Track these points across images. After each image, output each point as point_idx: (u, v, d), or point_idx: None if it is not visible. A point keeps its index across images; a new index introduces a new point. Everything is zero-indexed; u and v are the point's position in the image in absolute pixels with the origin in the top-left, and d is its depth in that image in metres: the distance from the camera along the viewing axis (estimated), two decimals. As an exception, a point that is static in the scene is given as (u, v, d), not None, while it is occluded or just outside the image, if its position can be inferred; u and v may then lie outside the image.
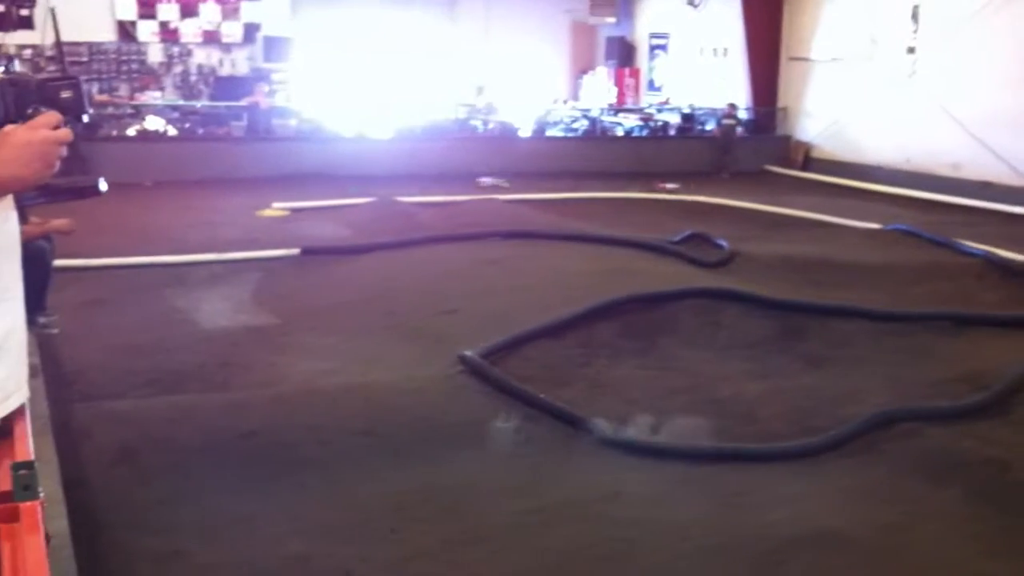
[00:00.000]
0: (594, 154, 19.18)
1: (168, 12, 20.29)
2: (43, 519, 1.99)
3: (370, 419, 5.90)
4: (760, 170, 19.36)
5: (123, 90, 20.15)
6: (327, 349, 7.56)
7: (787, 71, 20.22)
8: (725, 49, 21.09)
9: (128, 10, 20.04)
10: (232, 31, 20.80)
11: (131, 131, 17.95)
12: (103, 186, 2.33)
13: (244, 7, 20.70)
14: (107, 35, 20.02)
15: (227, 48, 20.91)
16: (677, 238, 11.32)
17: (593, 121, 21.42)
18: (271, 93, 19.62)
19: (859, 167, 18.04)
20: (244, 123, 18.60)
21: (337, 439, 5.65)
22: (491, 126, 20.54)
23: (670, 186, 16.71)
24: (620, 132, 21.09)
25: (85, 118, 2.26)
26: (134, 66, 20.33)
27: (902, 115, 17.14)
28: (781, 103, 20.34)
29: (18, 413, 2.28)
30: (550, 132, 21.08)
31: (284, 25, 21.05)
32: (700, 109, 20.88)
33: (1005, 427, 6.08)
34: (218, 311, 8.67)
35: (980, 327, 8.11)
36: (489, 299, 8.52)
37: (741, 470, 5.55)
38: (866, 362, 7.34)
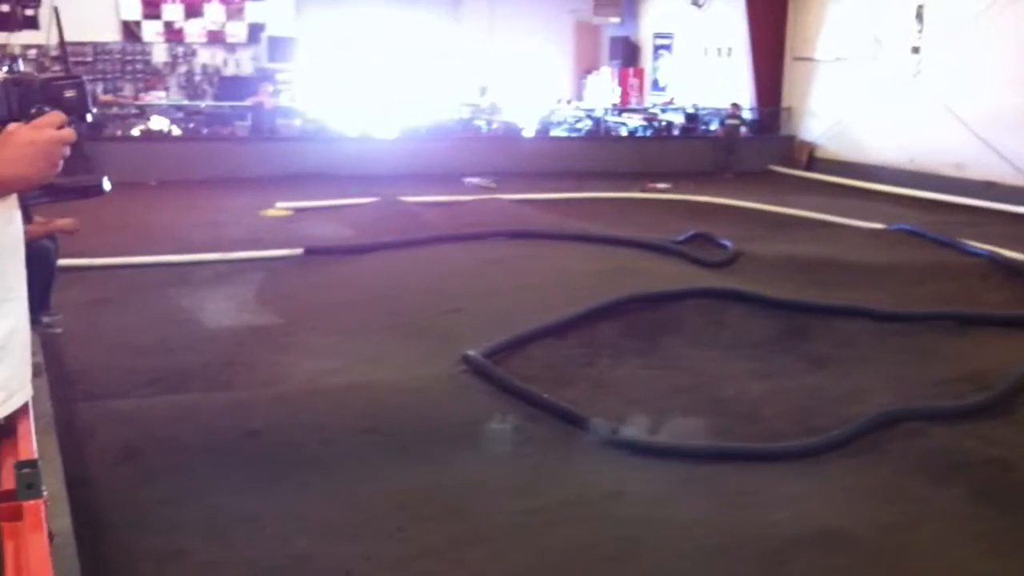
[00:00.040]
0: (598, 154, 19.17)
1: (173, 12, 20.32)
2: (46, 518, 2.00)
3: (374, 418, 5.91)
4: (764, 170, 19.34)
5: (128, 90, 20.18)
6: (330, 348, 7.57)
7: (791, 71, 20.21)
8: (729, 49, 21.08)
9: (133, 10, 20.09)
10: (236, 31, 20.83)
11: (135, 131, 17.99)
12: (107, 185, 2.34)
13: (248, 7, 20.74)
14: (112, 35, 20.06)
15: (231, 48, 20.95)
16: (680, 238, 11.31)
17: (597, 121, 21.43)
18: (275, 93, 19.66)
19: (863, 167, 18.02)
20: (248, 123, 18.63)
21: (341, 438, 5.66)
22: (495, 126, 20.56)
23: (661, 186, 16.71)
24: (624, 132, 21.08)
25: (89, 118, 2.27)
26: (139, 66, 20.36)
27: (906, 115, 17.12)
28: (785, 103, 20.33)
29: (22, 412, 2.29)
30: (554, 132, 21.09)
31: (288, 25, 21.08)
32: (704, 109, 20.88)
33: (1008, 427, 6.08)
34: (222, 311, 8.69)
35: (984, 327, 8.10)
36: (492, 299, 8.52)
37: (744, 470, 5.55)
38: (870, 362, 7.34)
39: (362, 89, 21.48)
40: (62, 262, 7.80)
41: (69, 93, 2.22)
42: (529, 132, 20.66)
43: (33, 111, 2.15)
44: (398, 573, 4.41)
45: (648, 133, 20.77)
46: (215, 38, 20.77)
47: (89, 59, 19.71)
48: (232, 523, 4.75)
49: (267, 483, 5.11)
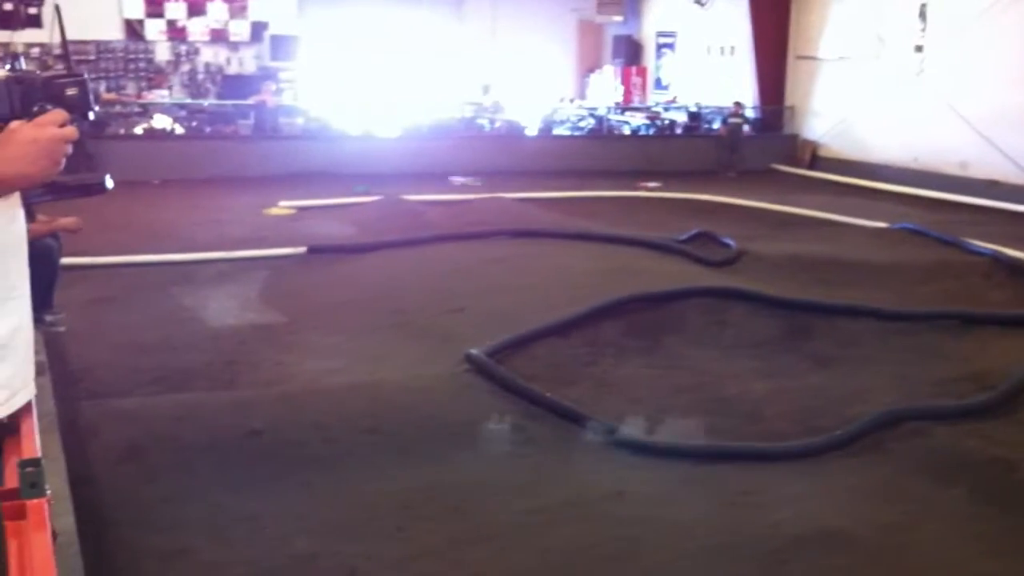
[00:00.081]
0: (601, 153, 19.16)
1: (176, 10, 20.32)
2: (50, 516, 2.00)
3: (376, 417, 5.91)
4: (767, 169, 19.33)
5: (131, 88, 20.20)
6: (333, 347, 7.57)
7: (794, 70, 20.19)
8: (732, 48, 21.07)
9: (136, 8, 20.09)
10: (239, 30, 20.83)
11: (138, 129, 18.00)
12: (109, 183, 2.34)
13: (251, 6, 20.74)
14: (115, 33, 20.06)
15: (234, 47, 20.95)
16: (683, 237, 11.30)
17: (600, 120, 21.42)
18: (278, 92, 19.65)
19: (866, 166, 18.01)
20: (251, 121, 18.63)
21: (343, 437, 5.66)
22: (498, 125, 20.54)
23: (652, 184, 16.70)
24: (627, 131, 21.07)
25: (91, 115, 2.27)
26: (142, 64, 20.37)
27: (909, 114, 17.10)
28: (788, 102, 20.32)
29: (25, 410, 2.29)
30: (557, 131, 21.08)
31: (291, 24, 21.08)
32: (707, 108, 20.86)
33: (1011, 427, 6.07)
34: (225, 309, 8.69)
35: (987, 326, 8.08)
36: (495, 298, 8.52)
37: (746, 469, 5.55)
38: (873, 361, 7.33)
39: (365, 88, 21.48)
40: (65, 261, 7.80)
41: (71, 91, 2.22)
42: (532, 131, 20.65)
43: (35, 109, 2.15)
44: (399, 573, 4.41)
45: (651, 132, 20.76)
46: (218, 36, 20.77)
47: (92, 57, 19.73)
48: (234, 522, 4.75)
49: (269, 482, 5.12)
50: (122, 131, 17.77)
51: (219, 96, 20.35)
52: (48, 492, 2.04)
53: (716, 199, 15.02)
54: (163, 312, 8.48)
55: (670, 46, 23.24)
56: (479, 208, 13.07)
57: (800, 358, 7.42)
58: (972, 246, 10.83)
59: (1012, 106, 15.13)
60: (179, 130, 18.23)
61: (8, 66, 13.49)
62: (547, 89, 22.90)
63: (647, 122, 21.07)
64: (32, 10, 16.70)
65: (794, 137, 20.18)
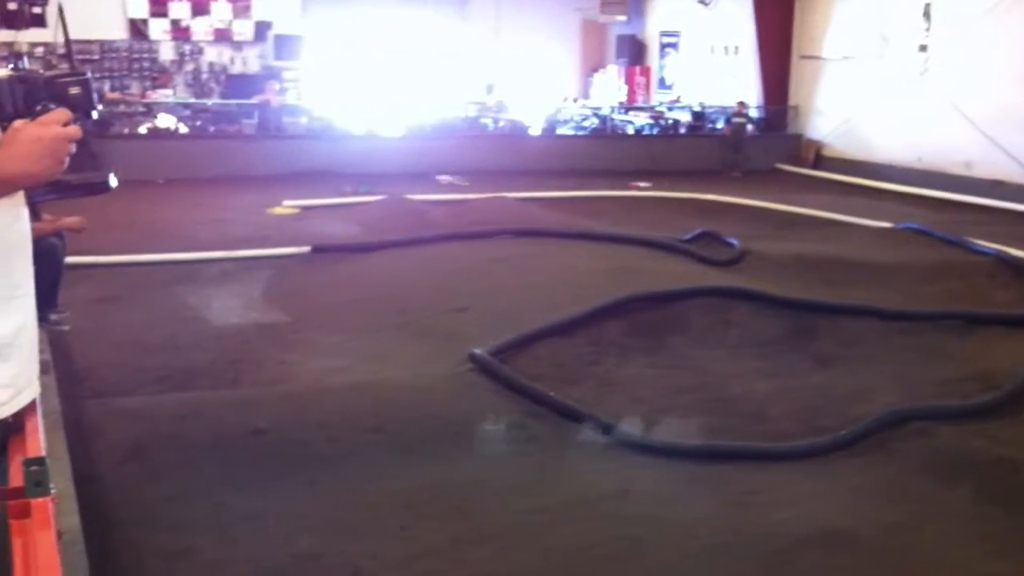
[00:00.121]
0: (604, 152, 19.15)
1: (180, 10, 20.36)
2: (54, 515, 2.00)
3: (380, 417, 5.91)
4: (771, 168, 19.32)
5: (135, 88, 20.22)
6: (337, 347, 7.57)
7: (798, 69, 20.17)
8: (736, 47, 21.05)
9: (140, 8, 20.12)
10: (243, 29, 20.85)
11: (142, 129, 18.01)
12: (113, 182, 2.34)
13: (255, 5, 20.77)
14: (119, 33, 20.11)
15: (238, 46, 20.98)
16: (687, 236, 11.30)
17: (603, 119, 21.41)
18: (282, 91, 19.68)
19: (870, 165, 18.00)
20: (255, 121, 18.65)
21: (347, 436, 5.66)
22: (501, 124, 20.54)
23: (643, 184, 16.69)
24: (630, 130, 21.07)
25: (94, 114, 2.27)
26: (146, 64, 20.40)
27: (914, 113, 17.08)
28: (792, 101, 20.30)
29: (29, 409, 2.29)
30: (560, 130, 21.08)
31: (295, 23, 21.11)
32: (711, 107, 20.85)
33: (1016, 427, 6.06)
34: (228, 308, 8.70)
35: (991, 326, 8.07)
36: (499, 297, 8.52)
37: (750, 469, 5.54)
38: (877, 361, 7.32)
39: (368, 87, 21.49)
40: (69, 260, 7.81)
41: (74, 90, 2.23)
42: (535, 130, 20.65)
43: (38, 108, 2.16)
44: (402, 572, 4.41)
45: (655, 132, 20.75)
46: (222, 36, 20.79)
47: (96, 57, 19.76)
48: (238, 521, 4.75)
49: (273, 481, 5.12)
50: (126, 130, 17.80)
51: (223, 96, 20.37)
52: (53, 491, 2.04)
53: (720, 199, 15.00)
54: (167, 311, 8.49)
55: (674, 46, 23.23)
56: (483, 208, 13.07)
57: (804, 358, 7.41)
58: (976, 246, 10.82)
59: (1017, 106, 15.10)
60: (183, 129, 18.24)
61: (11, 65, 13.50)
62: (551, 89, 22.90)
63: (651, 122, 21.07)
64: (36, 9, 16.69)
65: (798, 137, 20.16)
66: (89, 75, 2.32)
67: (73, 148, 2.13)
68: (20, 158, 2.06)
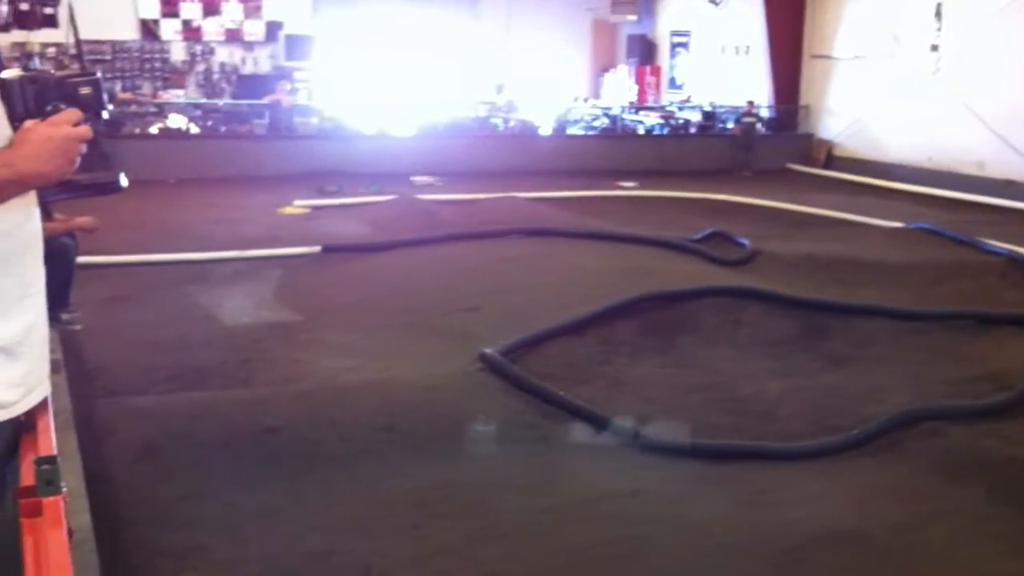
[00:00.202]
0: (615, 152, 19.13)
1: (191, 10, 20.41)
2: (66, 514, 2.01)
3: (391, 415, 5.91)
4: (782, 168, 19.27)
5: (146, 88, 20.27)
6: (348, 346, 7.58)
7: (809, 69, 20.13)
8: (747, 47, 21.02)
9: (151, 8, 20.17)
10: (254, 29, 20.89)
11: (154, 129, 18.06)
12: (124, 182, 2.34)
13: (266, 5, 20.81)
14: (130, 33, 20.17)
15: (249, 46, 21.02)
16: (698, 236, 11.29)
17: (614, 119, 21.40)
18: (293, 91, 19.70)
19: (882, 165, 17.95)
20: (266, 121, 18.68)
21: (358, 435, 5.66)
22: (512, 124, 20.54)
23: (628, 184, 16.67)
24: (641, 130, 21.05)
25: (105, 114, 2.28)
26: (157, 64, 20.45)
27: (925, 113, 17.03)
28: (803, 101, 20.26)
29: (41, 408, 2.30)
30: (571, 130, 21.07)
31: (306, 23, 21.14)
32: (721, 107, 20.82)
33: (1028, 427, 6.04)
34: (240, 308, 8.71)
35: (1003, 326, 8.05)
36: (509, 296, 8.52)
37: (761, 469, 5.53)
38: (888, 361, 7.30)
39: (379, 87, 21.51)
40: (81, 259, 7.82)
41: (85, 90, 2.23)
42: (546, 130, 20.64)
43: (49, 108, 2.16)
44: (414, 570, 4.41)
45: (665, 131, 20.73)
46: (233, 36, 20.84)
47: (108, 57, 19.83)
48: (250, 520, 4.76)
49: (284, 480, 5.13)
50: (137, 130, 17.84)
51: (234, 96, 20.42)
52: (64, 490, 2.04)
53: (731, 199, 14.98)
54: (179, 311, 8.51)
55: (684, 45, 23.20)
56: (493, 207, 13.07)
57: (815, 358, 7.40)
58: (988, 246, 10.78)
59: (1028, 105, 15.06)
60: (194, 129, 18.28)
61: (22, 66, 13.55)
62: (561, 88, 22.90)
63: (661, 121, 21.05)
64: (48, 10, 16.74)
65: (809, 136, 20.12)
66: (100, 75, 2.32)
67: (84, 148, 2.14)
68: (31, 158, 2.06)
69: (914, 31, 17.34)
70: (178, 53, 20.62)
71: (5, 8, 16.15)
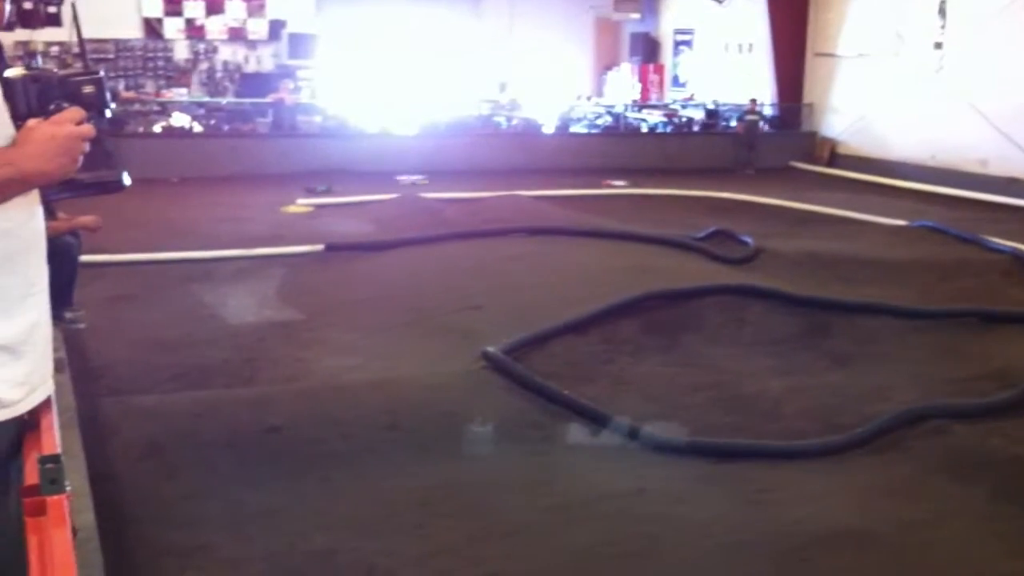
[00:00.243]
0: (618, 150, 19.13)
1: (194, 9, 20.41)
2: (70, 513, 2.00)
3: (394, 414, 5.91)
4: (785, 166, 19.27)
5: (149, 87, 20.28)
6: (351, 344, 7.58)
7: (813, 67, 20.12)
8: (750, 45, 21.00)
9: (154, 7, 20.18)
10: (257, 28, 20.89)
11: (157, 127, 18.06)
12: (127, 180, 2.34)
13: (269, 4, 20.80)
14: (133, 32, 20.16)
15: (252, 45, 21.02)
16: (701, 234, 11.28)
17: (617, 117, 21.37)
18: (296, 90, 19.69)
19: (885, 163, 17.94)
20: (269, 119, 18.68)
21: (361, 434, 5.66)
22: (515, 122, 20.53)
23: (617, 183, 16.66)
24: (644, 128, 21.03)
25: (107, 113, 2.27)
26: (160, 63, 20.46)
27: (929, 111, 17.01)
28: (807, 99, 20.24)
29: (45, 406, 2.30)
30: (574, 128, 21.05)
31: (309, 22, 21.13)
32: (724, 105, 20.80)
33: (1033, 425, 6.03)
34: (244, 307, 8.72)
35: (1007, 324, 8.04)
36: (513, 295, 8.52)
37: (765, 467, 5.52)
38: (892, 359, 7.30)
39: (382, 85, 21.49)
40: (84, 258, 7.83)
41: (87, 89, 2.23)
42: (549, 128, 20.63)
43: (52, 107, 2.16)
44: (417, 570, 4.41)
45: (668, 129, 20.71)
46: (236, 35, 20.84)
47: (111, 56, 19.83)
48: (253, 518, 4.76)
49: (288, 479, 5.13)
50: (141, 129, 17.85)
51: (237, 94, 20.42)
52: (68, 488, 2.04)
53: (734, 196, 14.96)
54: (182, 309, 8.51)
55: (688, 43, 23.19)
56: (497, 206, 13.06)
57: (818, 356, 7.39)
58: (992, 244, 10.78)
59: (1032, 103, 15.04)
60: (197, 128, 18.29)
61: (25, 64, 13.55)
62: (564, 86, 22.88)
63: (664, 119, 21.03)
64: (52, 9, 16.75)
65: (812, 134, 20.11)
66: (102, 74, 2.32)
67: (87, 147, 2.14)
68: (34, 156, 2.06)
69: (918, 29, 17.32)
70: (181, 52, 20.62)
71: (9, 7, 16.17)
